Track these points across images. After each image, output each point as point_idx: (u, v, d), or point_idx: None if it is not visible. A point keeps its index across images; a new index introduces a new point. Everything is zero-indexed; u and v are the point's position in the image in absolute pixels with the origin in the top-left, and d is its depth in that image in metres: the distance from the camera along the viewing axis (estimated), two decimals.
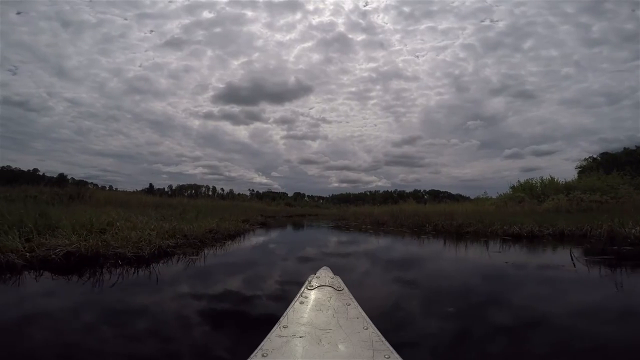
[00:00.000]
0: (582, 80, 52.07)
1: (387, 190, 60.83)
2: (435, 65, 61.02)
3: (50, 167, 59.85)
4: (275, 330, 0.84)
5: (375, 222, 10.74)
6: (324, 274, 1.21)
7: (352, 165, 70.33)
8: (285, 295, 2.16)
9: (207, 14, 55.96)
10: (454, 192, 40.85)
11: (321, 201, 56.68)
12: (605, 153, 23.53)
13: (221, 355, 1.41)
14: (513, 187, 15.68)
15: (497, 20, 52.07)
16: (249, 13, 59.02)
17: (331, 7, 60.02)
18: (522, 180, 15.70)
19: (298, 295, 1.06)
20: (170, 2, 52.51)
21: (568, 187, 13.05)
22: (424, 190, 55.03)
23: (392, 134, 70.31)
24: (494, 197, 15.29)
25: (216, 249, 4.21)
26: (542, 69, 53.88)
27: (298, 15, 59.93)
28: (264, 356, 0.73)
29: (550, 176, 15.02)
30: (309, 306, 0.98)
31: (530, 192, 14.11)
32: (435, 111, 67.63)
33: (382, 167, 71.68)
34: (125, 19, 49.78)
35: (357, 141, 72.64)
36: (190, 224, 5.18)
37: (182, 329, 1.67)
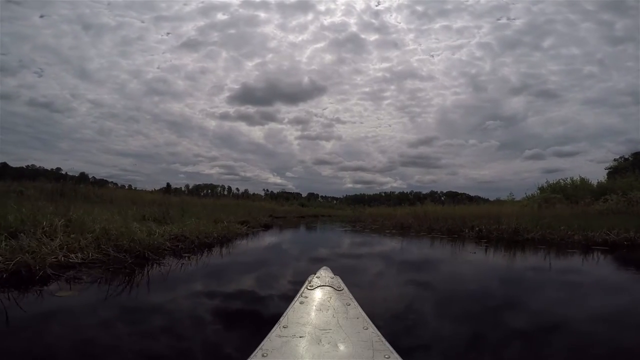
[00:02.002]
0: (606, 79, 49.77)
1: (403, 192, 59.14)
2: (451, 64, 59.37)
3: (73, 166, 61.07)
4: (275, 330, 0.81)
5: (399, 225, 9.26)
6: (324, 274, 1.15)
7: (366, 166, 69.11)
8: None
9: (221, 16, 56.17)
10: (472, 193, 38.84)
11: (335, 202, 55.49)
12: (638, 153, 21.78)
13: None
14: (541, 188, 14.84)
15: (514, 19, 50.64)
16: (262, 14, 58.77)
17: (342, 7, 59.33)
18: (546, 182, 14.94)
19: (298, 295, 1.01)
20: (185, 4, 52.73)
21: (602, 188, 12.28)
22: (441, 192, 52.99)
23: (407, 135, 68.66)
24: (518, 199, 14.29)
25: (156, 271, 2.53)
26: (563, 68, 52.14)
27: (310, 16, 59.36)
28: (264, 356, 0.71)
29: (581, 176, 14.13)
30: (309, 306, 0.94)
31: (563, 193, 13.09)
32: (451, 111, 65.59)
33: (397, 168, 70.20)
34: (143, 22, 50.38)
35: (371, 142, 71.32)
36: (165, 225, 3.94)
37: None
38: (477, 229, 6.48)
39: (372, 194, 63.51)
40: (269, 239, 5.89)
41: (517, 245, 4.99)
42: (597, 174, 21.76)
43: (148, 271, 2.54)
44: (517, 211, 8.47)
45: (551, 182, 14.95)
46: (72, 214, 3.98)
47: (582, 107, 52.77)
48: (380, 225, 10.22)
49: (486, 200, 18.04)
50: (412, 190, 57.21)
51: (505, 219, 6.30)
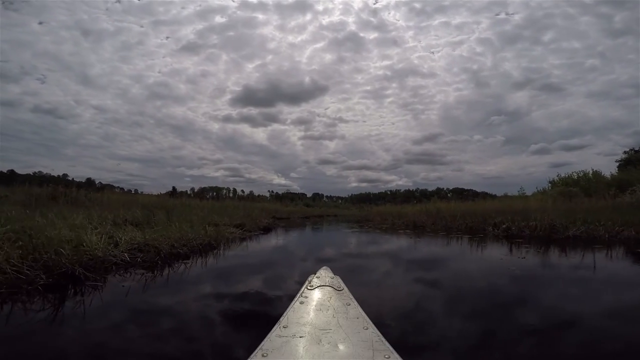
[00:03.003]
0: (608, 72, 49.13)
1: (409, 189, 58.07)
2: (451, 60, 58.67)
3: (80, 172, 60.88)
4: (275, 330, 0.80)
5: (411, 224, 8.56)
6: (324, 274, 1.14)
7: (370, 164, 68.28)
8: None
9: (219, 19, 55.79)
10: (478, 189, 38.03)
11: (340, 201, 54.82)
12: None
13: None
14: (552, 182, 14.56)
15: (512, 13, 50.27)
16: (260, 16, 58.26)
17: (340, 6, 58.58)
18: (557, 175, 14.73)
19: (298, 295, 1.00)
20: (182, 8, 52.47)
21: (617, 181, 12.01)
22: (447, 189, 52.08)
23: (411, 132, 67.79)
24: (528, 193, 13.90)
25: (78, 298, 1.80)
26: (565, 61, 51.70)
27: (308, 17, 58.85)
28: (264, 356, 0.70)
29: (593, 169, 13.88)
30: (309, 306, 0.93)
31: (578, 187, 12.65)
32: (455, 107, 64.69)
33: (402, 166, 69.20)
34: (142, 26, 50.15)
35: (375, 140, 70.50)
36: (144, 230, 3.31)
37: None
38: (503, 226, 5.75)
39: (377, 192, 62.79)
40: (263, 245, 5.06)
41: (562, 245, 4.26)
42: (605, 167, 21.46)
43: (65, 297, 1.81)
44: (542, 206, 7.71)
45: (562, 175, 14.66)
46: (37, 220, 3.41)
47: (586, 100, 51.93)
48: (390, 224, 9.51)
49: (494, 196, 17.38)
50: (418, 188, 56.27)
51: (539, 215, 5.54)
